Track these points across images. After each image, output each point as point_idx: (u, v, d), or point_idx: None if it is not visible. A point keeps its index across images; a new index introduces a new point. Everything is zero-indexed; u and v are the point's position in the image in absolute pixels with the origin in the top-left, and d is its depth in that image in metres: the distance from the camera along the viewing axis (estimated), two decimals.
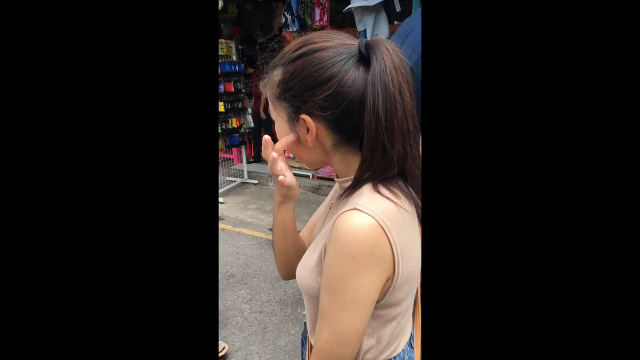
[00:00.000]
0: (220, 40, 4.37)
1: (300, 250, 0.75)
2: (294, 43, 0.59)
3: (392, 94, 0.50)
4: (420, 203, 0.56)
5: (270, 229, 3.58)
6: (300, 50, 0.56)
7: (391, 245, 0.51)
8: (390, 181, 0.55)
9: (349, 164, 0.59)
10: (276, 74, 0.58)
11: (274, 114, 0.62)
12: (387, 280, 0.53)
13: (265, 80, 0.62)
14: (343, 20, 4.24)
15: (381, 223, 0.50)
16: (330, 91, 0.53)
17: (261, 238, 3.33)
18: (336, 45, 0.54)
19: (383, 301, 0.55)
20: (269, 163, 0.62)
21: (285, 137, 0.60)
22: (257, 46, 5.42)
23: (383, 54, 0.51)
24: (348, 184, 0.58)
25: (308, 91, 0.54)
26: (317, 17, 3.63)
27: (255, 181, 4.84)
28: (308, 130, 0.57)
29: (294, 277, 0.75)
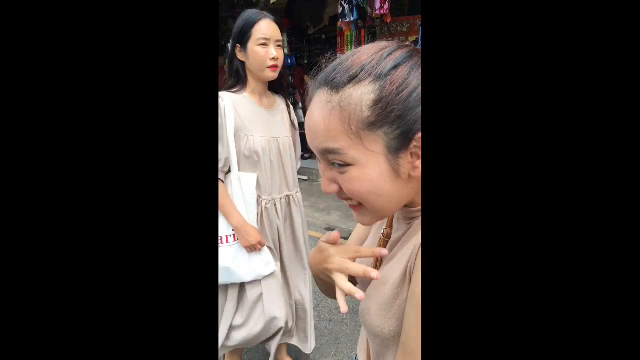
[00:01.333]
0: None
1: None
2: (370, 53, 0.44)
3: None
4: None
5: (327, 229, 3.48)
6: (398, 54, 0.44)
7: None
8: None
9: None
10: (364, 92, 0.43)
11: (353, 153, 0.44)
12: None
13: (334, 100, 0.44)
14: (401, 8, 4.03)
15: None
16: None
17: (318, 238, 3.22)
18: None
19: None
20: (346, 288, 0.51)
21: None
22: (306, 38, 5.29)
23: None
24: (417, 214, 0.50)
25: None
26: (377, 5, 3.42)
27: (305, 177, 4.74)
28: (412, 155, 0.44)
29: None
